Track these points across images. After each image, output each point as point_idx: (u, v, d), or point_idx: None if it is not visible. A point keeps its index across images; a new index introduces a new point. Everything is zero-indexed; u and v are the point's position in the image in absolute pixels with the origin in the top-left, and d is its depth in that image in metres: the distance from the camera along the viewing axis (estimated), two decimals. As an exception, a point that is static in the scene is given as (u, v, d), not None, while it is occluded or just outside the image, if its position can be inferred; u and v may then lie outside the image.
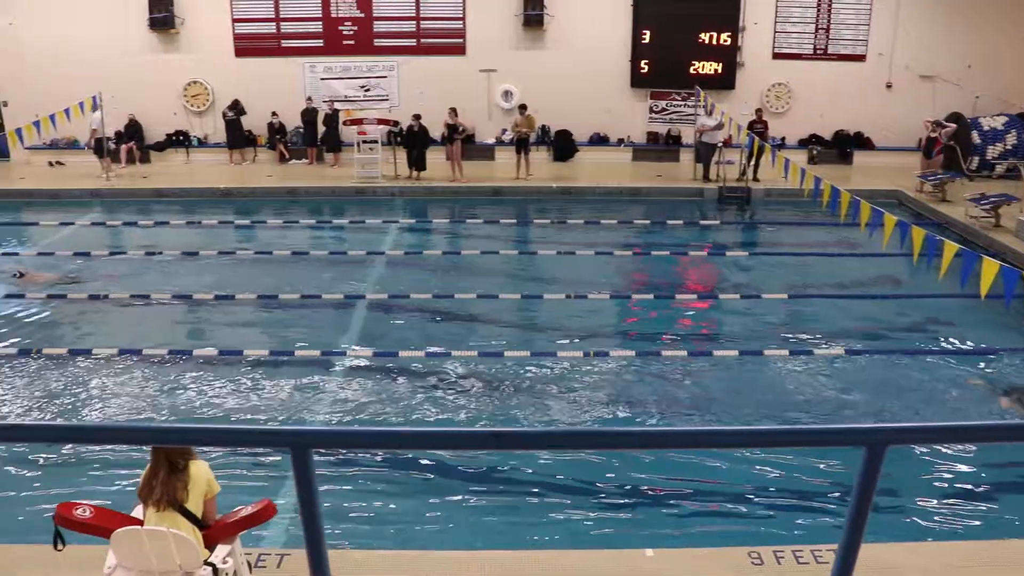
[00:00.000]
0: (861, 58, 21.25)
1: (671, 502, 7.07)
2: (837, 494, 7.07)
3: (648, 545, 6.09)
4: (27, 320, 11.48)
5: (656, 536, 6.50)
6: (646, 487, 7.25)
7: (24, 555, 5.82)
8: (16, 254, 14.69)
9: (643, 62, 21.27)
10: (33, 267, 13.59)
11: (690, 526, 6.76)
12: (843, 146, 21.53)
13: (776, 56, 21.36)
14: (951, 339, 10.62)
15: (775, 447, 7.16)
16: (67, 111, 17.65)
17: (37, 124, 16.89)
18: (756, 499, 7.07)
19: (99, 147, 19.60)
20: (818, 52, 21.28)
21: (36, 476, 7.37)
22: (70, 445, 7.54)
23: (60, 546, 4.78)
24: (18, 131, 16.61)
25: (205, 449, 6.08)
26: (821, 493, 7.16)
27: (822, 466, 7.45)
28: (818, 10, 21.02)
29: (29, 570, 5.64)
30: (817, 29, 21.13)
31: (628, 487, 7.24)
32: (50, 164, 21.46)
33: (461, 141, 19.55)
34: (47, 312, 11.82)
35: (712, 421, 8.56)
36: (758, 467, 7.41)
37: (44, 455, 7.61)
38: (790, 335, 10.89)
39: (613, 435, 1.73)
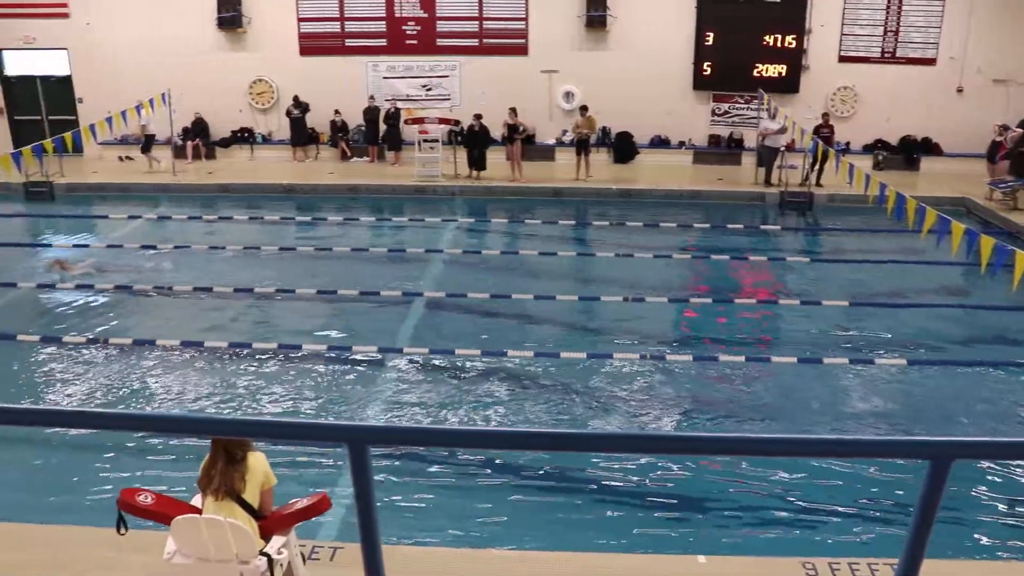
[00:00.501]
0: (931, 61, 20.76)
1: (725, 509, 6.99)
2: (895, 507, 6.91)
3: (701, 551, 6.03)
4: (95, 310, 11.79)
5: (709, 542, 6.44)
6: (700, 492, 7.18)
7: (90, 537, 5.98)
8: (87, 246, 15.10)
9: (706, 64, 21.06)
10: (99, 259, 13.97)
11: (744, 534, 6.67)
12: (910, 152, 21.05)
13: (842, 59, 20.96)
14: (1021, 353, 10.33)
15: (836, 457, 7.04)
16: (138, 108, 18.10)
17: (109, 120, 17.33)
18: (812, 509, 6.95)
19: (148, 143, 20.19)
20: (886, 55, 20.84)
21: (102, 461, 7.57)
22: (134, 433, 7.71)
23: (123, 530, 4.90)
24: (91, 127, 17.06)
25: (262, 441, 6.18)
26: (879, 506, 7.01)
27: (881, 478, 7.29)
28: (887, 12, 20.58)
29: (95, 551, 5.80)
30: (886, 32, 20.69)
31: (682, 491, 7.18)
32: (120, 159, 22.02)
33: (521, 141, 19.57)
34: (114, 302, 12.12)
35: (769, 428, 8.45)
36: (816, 477, 7.28)
37: (109, 441, 7.80)
38: (850, 343, 10.69)
39: (670, 439, 1.72)
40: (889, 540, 6.43)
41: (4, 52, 22.47)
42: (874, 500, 7.07)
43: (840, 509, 6.98)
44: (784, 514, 6.92)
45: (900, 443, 1.73)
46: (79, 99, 22.44)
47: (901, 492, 7.05)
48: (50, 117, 22.63)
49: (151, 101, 18.33)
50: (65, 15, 21.81)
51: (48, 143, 16.53)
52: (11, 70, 22.69)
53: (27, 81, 22.70)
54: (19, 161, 15.58)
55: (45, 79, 22.65)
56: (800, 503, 7.01)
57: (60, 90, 22.62)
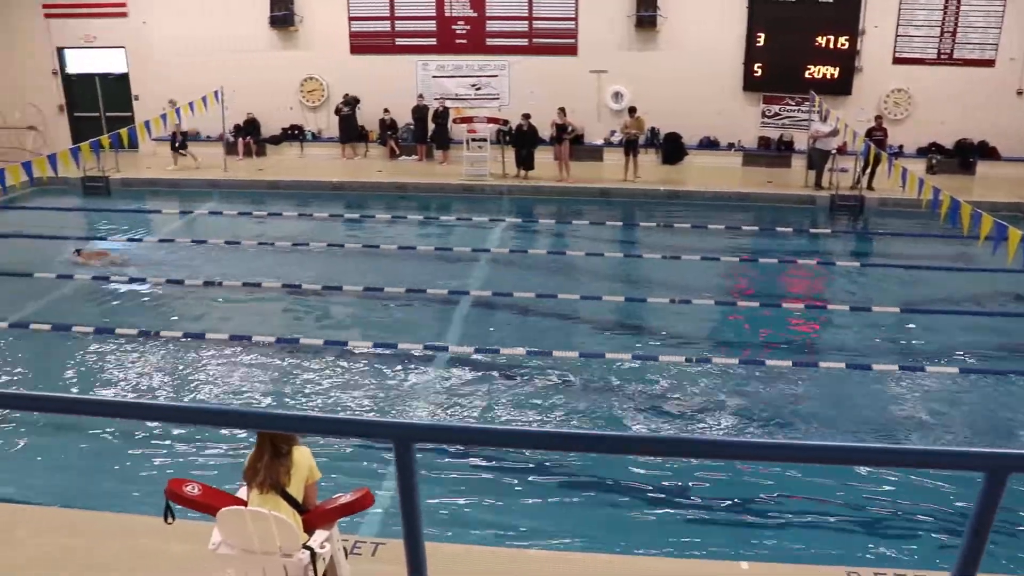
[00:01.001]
0: (990, 63, 20.29)
1: (770, 514, 6.91)
2: (946, 518, 6.77)
3: (744, 557, 5.97)
4: (146, 303, 12.01)
5: (752, 548, 6.37)
6: (745, 497, 7.10)
7: (138, 525, 6.10)
8: (140, 240, 15.40)
9: (756, 65, 20.83)
10: (130, 253, 14.25)
11: (789, 541, 6.58)
12: (965, 155, 20.57)
13: (896, 61, 20.56)
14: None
15: (886, 466, 6.91)
16: (191, 105, 18.40)
17: (164, 117, 17.64)
18: (859, 518, 6.84)
19: (179, 141, 20.57)
20: (942, 56, 20.41)
21: (152, 451, 7.70)
22: (183, 425, 7.84)
23: (170, 519, 4.97)
24: (146, 123, 17.39)
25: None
26: (929, 516, 6.87)
27: (932, 487, 7.15)
28: (945, 13, 20.15)
29: (142, 540, 5.91)
30: (943, 32, 20.26)
31: (726, 495, 7.11)
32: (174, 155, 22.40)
33: (570, 141, 19.53)
34: (165, 296, 12.33)
35: (816, 434, 8.33)
36: (864, 485, 7.17)
37: (159, 432, 7.94)
38: (901, 350, 10.50)
39: (716, 444, 1.70)
40: (939, 552, 6.30)
41: (66, 51, 22.98)
42: (924, 511, 6.93)
43: (888, 519, 6.86)
44: (831, 521, 6.81)
45: (954, 454, 1.69)
46: (135, 96, 22.89)
47: (952, 503, 6.91)
48: (107, 114, 23.11)
49: (204, 99, 18.60)
50: (123, 14, 22.26)
51: (105, 139, 16.88)
52: (72, 68, 23.22)
53: (86, 79, 23.21)
54: (77, 157, 15.92)
55: (103, 77, 23.14)
56: (848, 511, 6.90)
57: (117, 88, 23.09)
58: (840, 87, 20.59)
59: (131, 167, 20.53)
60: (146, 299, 12.19)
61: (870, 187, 18.10)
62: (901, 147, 20.39)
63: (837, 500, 7.01)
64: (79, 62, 23.14)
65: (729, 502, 7.05)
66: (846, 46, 20.40)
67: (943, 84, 20.34)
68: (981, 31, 20.16)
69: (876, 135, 17.96)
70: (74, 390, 9.13)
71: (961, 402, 9.04)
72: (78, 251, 13.88)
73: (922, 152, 20.70)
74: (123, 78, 22.98)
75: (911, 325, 11.51)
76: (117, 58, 22.81)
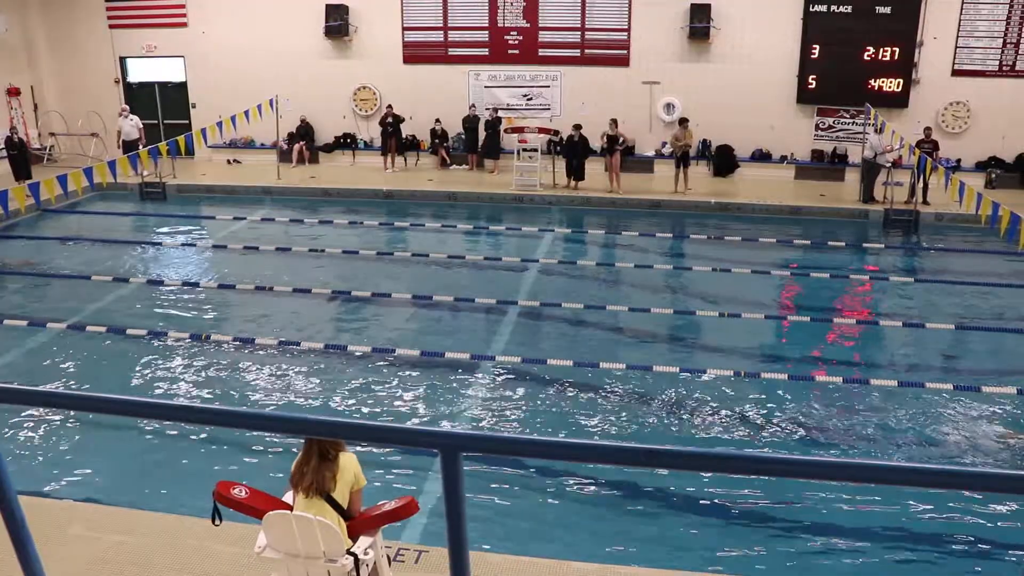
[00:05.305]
0: (1053, 76, 19.80)
1: (805, 534, 6.78)
2: (996, 545, 6.60)
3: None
4: (200, 307, 12.21)
5: (793, 570, 6.26)
6: (787, 516, 7.00)
7: (186, 526, 6.20)
8: (193, 245, 15.67)
9: (811, 77, 20.56)
10: (199, 256, 14.47)
11: (830, 559, 6.47)
12: (1026, 170, 20.08)
13: (956, 73, 20.15)
14: None
15: (938, 488, 6.76)
16: (247, 113, 18.71)
17: (220, 125, 17.97)
18: (901, 540, 6.70)
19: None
20: (1004, 68, 19.95)
21: (202, 454, 7.82)
22: (231, 429, 7.94)
23: (218, 522, 5.04)
24: (203, 131, 17.71)
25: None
26: (979, 541, 6.69)
27: (981, 511, 6.97)
28: (1008, 23, 19.70)
29: (190, 540, 6.00)
30: (1005, 44, 19.80)
31: (771, 514, 7.01)
32: (228, 162, 22.80)
33: (621, 153, 19.46)
34: (218, 301, 12.53)
35: (866, 452, 8.18)
36: (908, 505, 7.02)
37: (209, 435, 8.06)
38: (956, 369, 10.27)
39: (766, 461, 1.67)
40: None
41: (128, 60, 23.54)
42: (977, 534, 6.76)
43: (941, 542, 6.70)
44: (867, 545, 6.68)
45: (1013, 477, 1.63)
46: (192, 104, 23.34)
47: (1003, 528, 6.73)
48: (165, 121, 23.59)
49: (259, 107, 18.89)
50: (183, 24, 22.72)
51: (163, 146, 17.23)
52: (133, 77, 23.77)
53: (147, 87, 23.75)
54: (136, 163, 16.27)
55: (163, 85, 23.65)
56: (887, 534, 6.76)
57: (176, 95, 23.57)
58: (897, 100, 20.23)
59: (187, 173, 20.91)
60: (198, 303, 12.39)
61: (925, 201, 17.76)
62: (959, 161, 19.97)
63: (875, 522, 6.88)
64: (140, 71, 23.68)
65: (770, 519, 6.95)
66: (903, 58, 20.05)
67: (1004, 97, 19.87)
68: (1045, 43, 19.67)
69: (924, 147, 17.58)
70: (124, 391, 9.30)
71: (1019, 424, 8.80)
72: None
73: (980, 166, 20.25)
74: (181, 86, 23.46)
75: (966, 343, 11.25)
76: (176, 67, 23.29)
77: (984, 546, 6.63)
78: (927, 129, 18.77)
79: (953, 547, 6.64)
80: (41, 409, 8.41)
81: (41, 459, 7.82)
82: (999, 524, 6.83)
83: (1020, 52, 19.79)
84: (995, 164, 20.19)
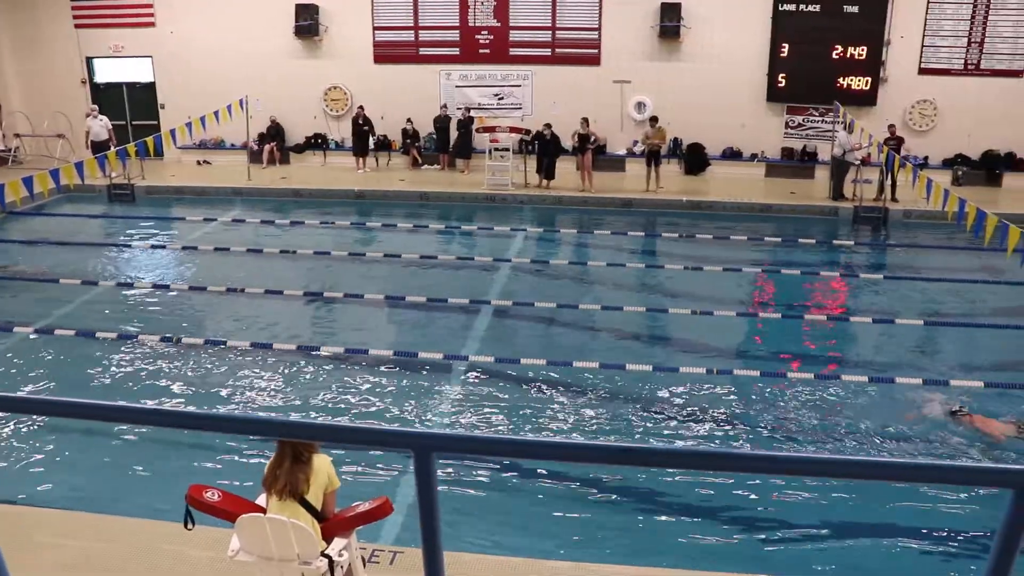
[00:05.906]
0: (1018, 73, 20.06)
1: (791, 530, 6.84)
2: (970, 536, 6.69)
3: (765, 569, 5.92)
4: (169, 310, 12.10)
5: (771, 566, 6.31)
6: (768, 512, 7.05)
7: (159, 531, 6.14)
8: (163, 246, 15.52)
9: (780, 76, 20.73)
10: (169, 258, 14.33)
11: (816, 558, 6.53)
12: (992, 167, 20.34)
13: (923, 71, 20.40)
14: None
15: (908, 482, 6.84)
16: (216, 114, 18.54)
17: (189, 125, 17.80)
18: (880, 537, 6.77)
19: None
20: (969, 67, 20.22)
21: (173, 457, 7.75)
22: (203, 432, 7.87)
23: (190, 526, 4.99)
24: (172, 132, 17.55)
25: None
26: (952, 534, 6.78)
27: (950, 505, 7.06)
28: (972, 23, 19.97)
29: (163, 545, 5.94)
30: (970, 43, 20.07)
31: (750, 511, 7.06)
32: (198, 163, 22.62)
33: (592, 151, 19.51)
34: (189, 303, 12.42)
35: (839, 448, 8.25)
36: (884, 502, 7.09)
37: (180, 438, 7.98)
38: (925, 364, 10.40)
39: (742, 458, 1.68)
40: (956, 571, 6.22)
41: (95, 60, 23.27)
42: (946, 527, 6.84)
43: (911, 536, 6.78)
44: (848, 542, 6.75)
45: (982, 470, 1.65)
46: (161, 105, 23.11)
47: (974, 520, 6.82)
48: (134, 122, 23.32)
49: (228, 107, 18.75)
50: (151, 24, 22.50)
51: (131, 147, 17.04)
52: (100, 77, 23.50)
53: (114, 88, 23.48)
54: (104, 164, 16.07)
55: (131, 86, 23.40)
56: (864, 529, 6.83)
57: (144, 96, 23.32)
58: (865, 98, 20.45)
59: (156, 175, 20.70)
60: (169, 305, 12.28)
61: (893, 198, 17.97)
62: (926, 158, 20.22)
63: (851, 518, 6.94)
64: (107, 71, 23.41)
65: (748, 516, 6.99)
66: (871, 57, 20.27)
67: (970, 95, 20.15)
68: (1010, 41, 19.95)
69: (891, 143, 17.78)
70: (94, 395, 9.19)
71: (987, 416, 8.92)
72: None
73: (948, 163, 20.51)
74: (150, 87, 23.22)
75: (935, 338, 11.40)
76: (144, 67, 23.05)
77: (957, 538, 6.72)
78: (891, 126, 18.99)
79: (918, 541, 6.72)
80: (8, 414, 8.29)
81: (7, 465, 7.71)
82: (965, 514, 6.92)
83: (984, 51, 20.07)
84: (961, 161, 20.47)
